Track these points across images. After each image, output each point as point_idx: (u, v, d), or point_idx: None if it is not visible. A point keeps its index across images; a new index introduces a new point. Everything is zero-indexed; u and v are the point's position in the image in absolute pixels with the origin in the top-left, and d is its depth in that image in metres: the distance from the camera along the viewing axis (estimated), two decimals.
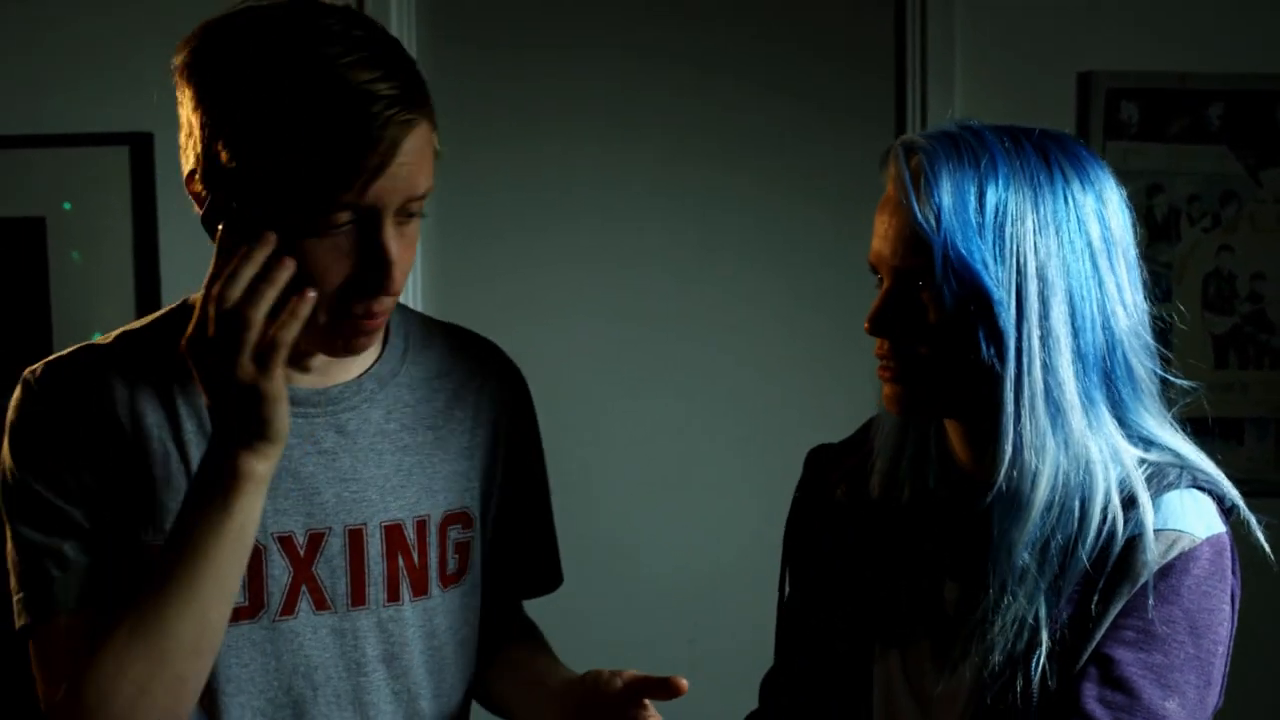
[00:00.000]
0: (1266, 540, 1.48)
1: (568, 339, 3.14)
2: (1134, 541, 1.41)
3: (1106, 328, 1.43)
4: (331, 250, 1.41)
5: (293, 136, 1.36)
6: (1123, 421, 1.47)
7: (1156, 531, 1.41)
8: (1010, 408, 1.40)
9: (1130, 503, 1.43)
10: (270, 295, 1.38)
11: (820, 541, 1.64)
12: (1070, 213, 1.41)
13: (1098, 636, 1.42)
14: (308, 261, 1.40)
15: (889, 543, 1.56)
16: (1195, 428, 3.03)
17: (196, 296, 1.54)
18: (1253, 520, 1.48)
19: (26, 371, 1.53)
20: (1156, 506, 1.43)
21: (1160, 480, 1.45)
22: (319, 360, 1.57)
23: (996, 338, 1.40)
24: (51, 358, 1.55)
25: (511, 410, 1.73)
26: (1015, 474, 1.41)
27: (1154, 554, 1.41)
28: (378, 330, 1.49)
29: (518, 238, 3.14)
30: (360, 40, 1.40)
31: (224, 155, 1.40)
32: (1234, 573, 1.46)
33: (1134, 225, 1.49)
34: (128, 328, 1.58)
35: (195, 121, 1.42)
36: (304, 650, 1.55)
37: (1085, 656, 1.42)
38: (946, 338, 1.42)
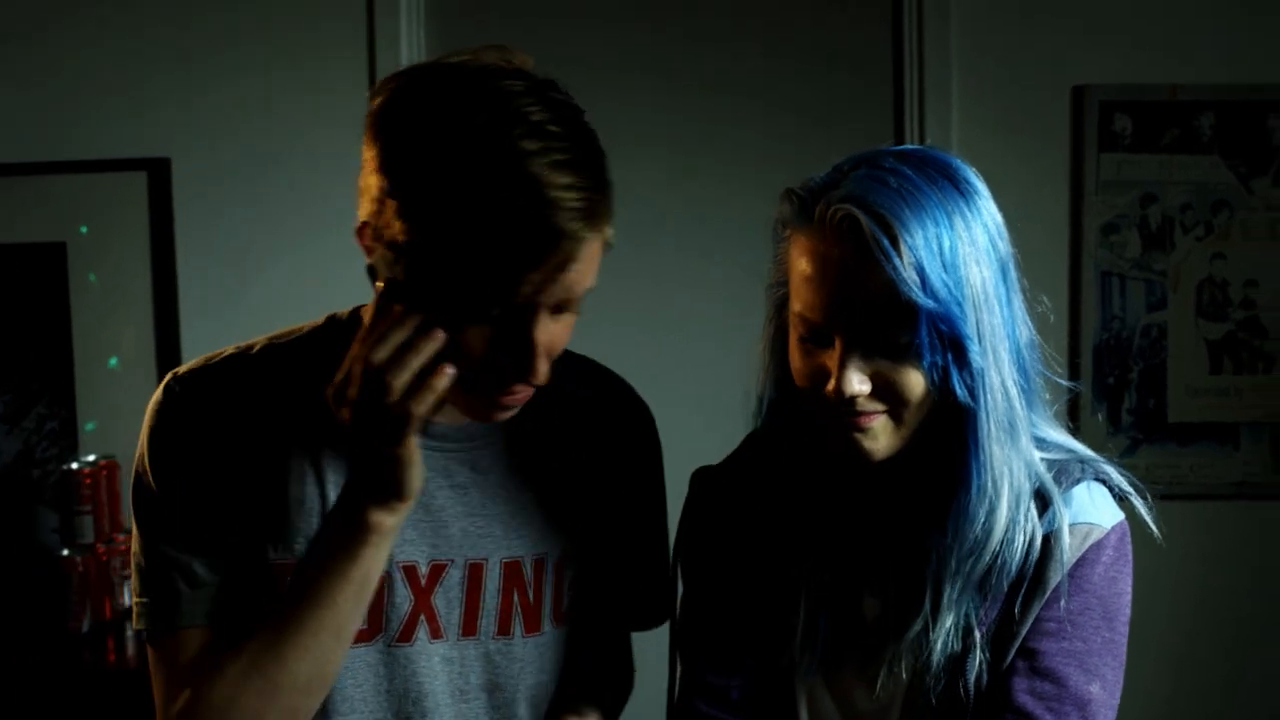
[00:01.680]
0: (1152, 520, 1.52)
1: (577, 350, 3.18)
2: (1050, 538, 1.47)
3: (1020, 341, 1.47)
4: (482, 335, 1.40)
5: (472, 228, 1.34)
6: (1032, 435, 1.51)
7: (1070, 526, 1.48)
8: (984, 440, 1.43)
9: (1042, 501, 1.48)
10: (414, 365, 1.37)
11: (720, 565, 1.63)
12: (985, 234, 1.43)
13: (1023, 632, 1.48)
14: (460, 341, 1.40)
15: (797, 562, 1.56)
16: (1191, 432, 3.10)
17: (344, 313, 1.58)
18: (1140, 505, 1.53)
19: (170, 375, 1.53)
20: (1066, 501, 1.49)
21: (1067, 476, 1.50)
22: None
23: (970, 376, 1.42)
24: (198, 363, 1.54)
25: (636, 449, 1.72)
26: (978, 501, 1.45)
27: (1070, 548, 1.47)
28: (516, 408, 1.48)
29: None
30: (556, 135, 1.39)
31: (398, 225, 1.38)
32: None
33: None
34: (273, 338, 1.57)
35: (375, 183, 1.41)
36: (417, 676, 1.56)
37: (1012, 652, 1.48)
38: (926, 387, 1.43)
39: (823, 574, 1.55)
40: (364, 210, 1.43)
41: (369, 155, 1.42)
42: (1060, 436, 1.54)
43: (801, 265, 1.45)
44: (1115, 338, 3.07)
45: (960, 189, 1.43)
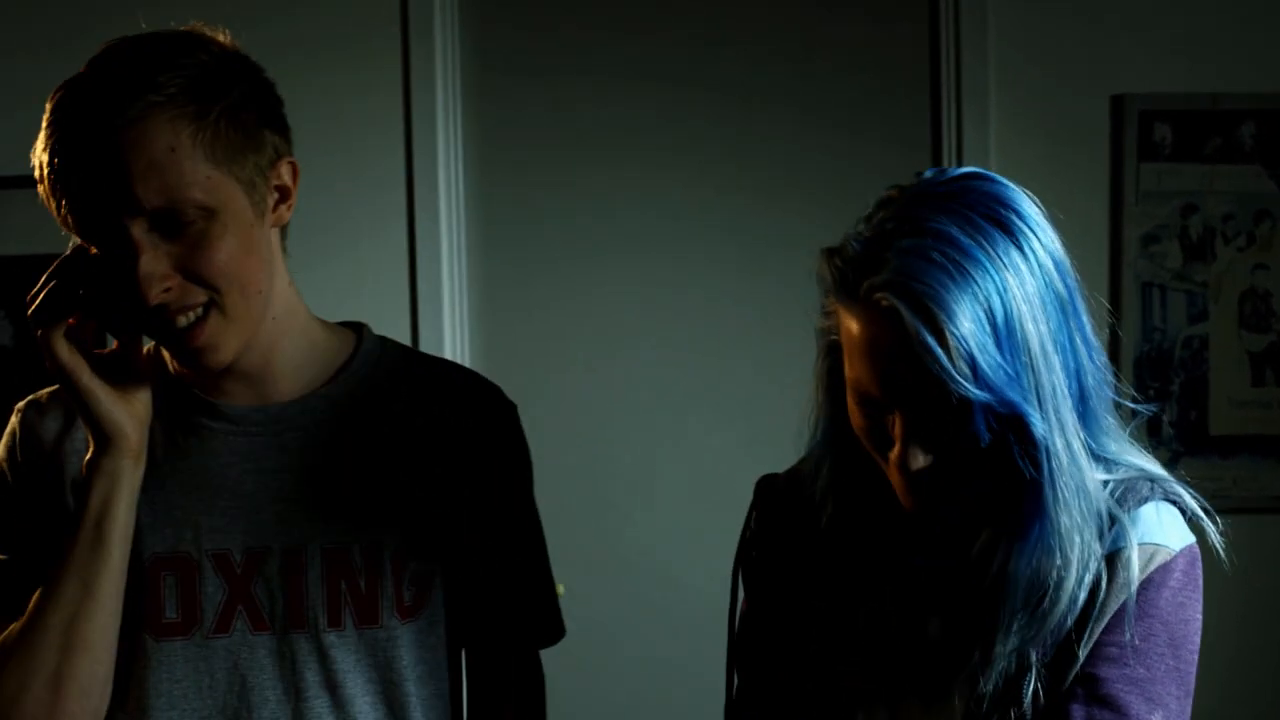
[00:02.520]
0: (1222, 547, 1.50)
1: (609, 365, 3.18)
2: (1114, 559, 1.42)
3: (1084, 384, 1.42)
4: (109, 259, 1.46)
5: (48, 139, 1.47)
6: (1094, 456, 1.46)
7: (1135, 546, 1.42)
8: (1049, 508, 1.39)
9: (1109, 521, 1.44)
10: (38, 290, 1.51)
11: (782, 577, 1.60)
12: (1039, 276, 1.36)
13: (1083, 656, 1.43)
14: (113, 272, 1.46)
15: (860, 578, 1.53)
16: (1233, 444, 3.07)
17: None
18: (1211, 530, 1.48)
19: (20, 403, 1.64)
20: (1133, 521, 1.44)
21: (1134, 495, 1.45)
22: (259, 378, 1.58)
23: (1033, 449, 1.37)
24: (40, 392, 1.65)
25: (485, 444, 1.65)
26: (1044, 564, 1.40)
27: (1136, 569, 1.42)
28: (200, 340, 1.48)
29: (559, 265, 3.19)
30: (136, 41, 1.52)
31: None
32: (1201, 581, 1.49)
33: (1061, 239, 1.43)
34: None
35: None
36: (238, 669, 1.55)
37: (1071, 676, 1.43)
38: (984, 462, 1.39)
39: (886, 590, 1.51)
40: None
41: None
42: (1131, 454, 1.49)
43: (851, 336, 1.40)
44: (1156, 349, 3.03)
45: (1012, 233, 1.36)
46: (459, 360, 3.11)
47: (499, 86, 3.17)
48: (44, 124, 1.47)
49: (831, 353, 1.49)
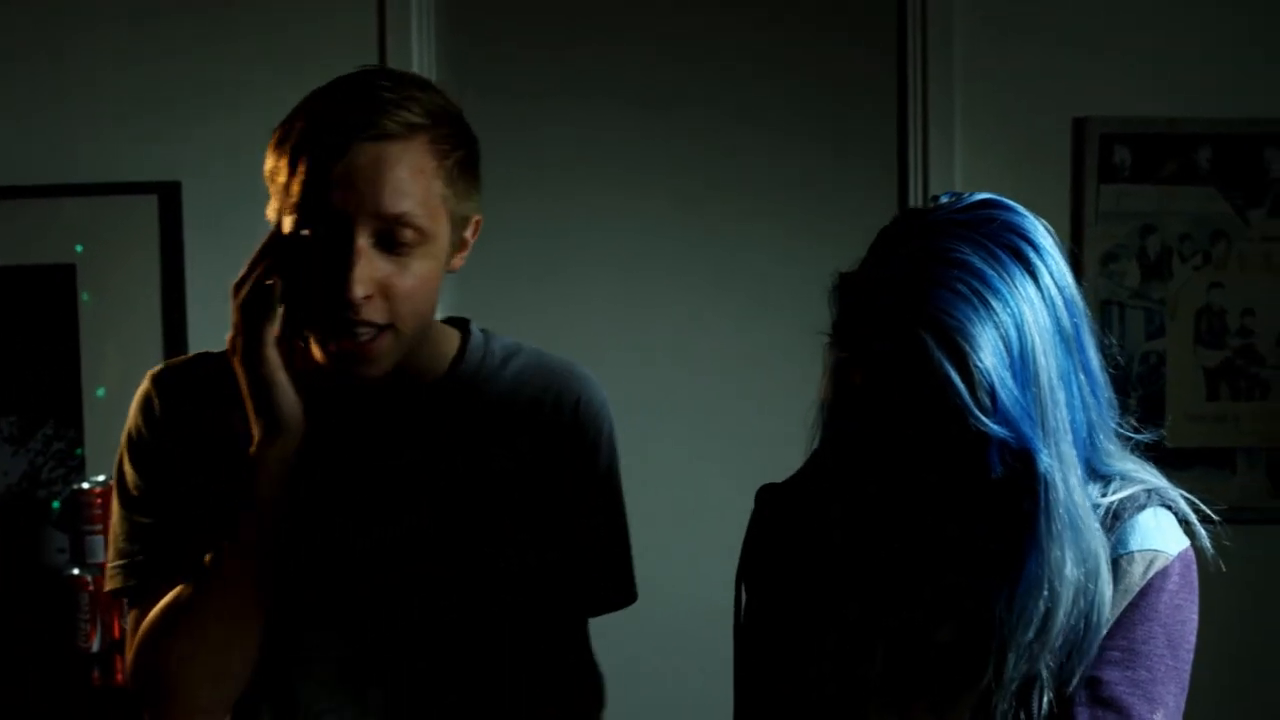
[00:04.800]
0: (1214, 549, 1.50)
1: None
2: (1115, 564, 1.45)
3: (1088, 421, 1.45)
4: (310, 262, 1.55)
5: (291, 153, 1.57)
6: (1096, 474, 1.49)
7: (1134, 553, 1.46)
8: (1042, 539, 1.40)
9: (1109, 528, 1.46)
10: (249, 281, 1.58)
11: (785, 588, 1.61)
12: (1052, 311, 1.39)
13: (1087, 659, 1.45)
14: (307, 269, 1.56)
15: (867, 587, 1.54)
16: (1188, 457, 3.12)
17: None
18: (1204, 535, 1.51)
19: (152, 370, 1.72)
20: (1131, 528, 1.46)
21: (1133, 504, 1.48)
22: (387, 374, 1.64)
23: (1032, 482, 1.39)
24: (175, 361, 1.75)
25: (575, 429, 1.74)
26: (1034, 593, 1.41)
27: (1136, 576, 1.46)
28: (370, 354, 1.58)
29: (534, 279, 3.22)
30: (370, 72, 1.64)
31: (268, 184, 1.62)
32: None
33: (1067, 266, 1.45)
34: (210, 351, 1.74)
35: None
36: (351, 646, 1.64)
37: (1076, 680, 1.45)
38: (988, 492, 1.42)
39: (894, 598, 1.52)
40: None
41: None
42: (1133, 468, 1.51)
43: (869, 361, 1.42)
44: (1114, 365, 3.08)
45: (1028, 264, 1.37)
46: None
47: (474, 102, 3.16)
48: (290, 120, 1.58)
49: (839, 371, 1.49)
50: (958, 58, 3.10)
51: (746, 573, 1.66)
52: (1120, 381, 3.06)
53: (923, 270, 1.36)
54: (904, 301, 1.35)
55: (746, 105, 3.19)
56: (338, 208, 1.52)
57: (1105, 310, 3.09)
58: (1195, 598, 1.50)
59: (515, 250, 3.20)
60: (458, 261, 1.66)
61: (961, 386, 1.33)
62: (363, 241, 1.52)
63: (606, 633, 3.14)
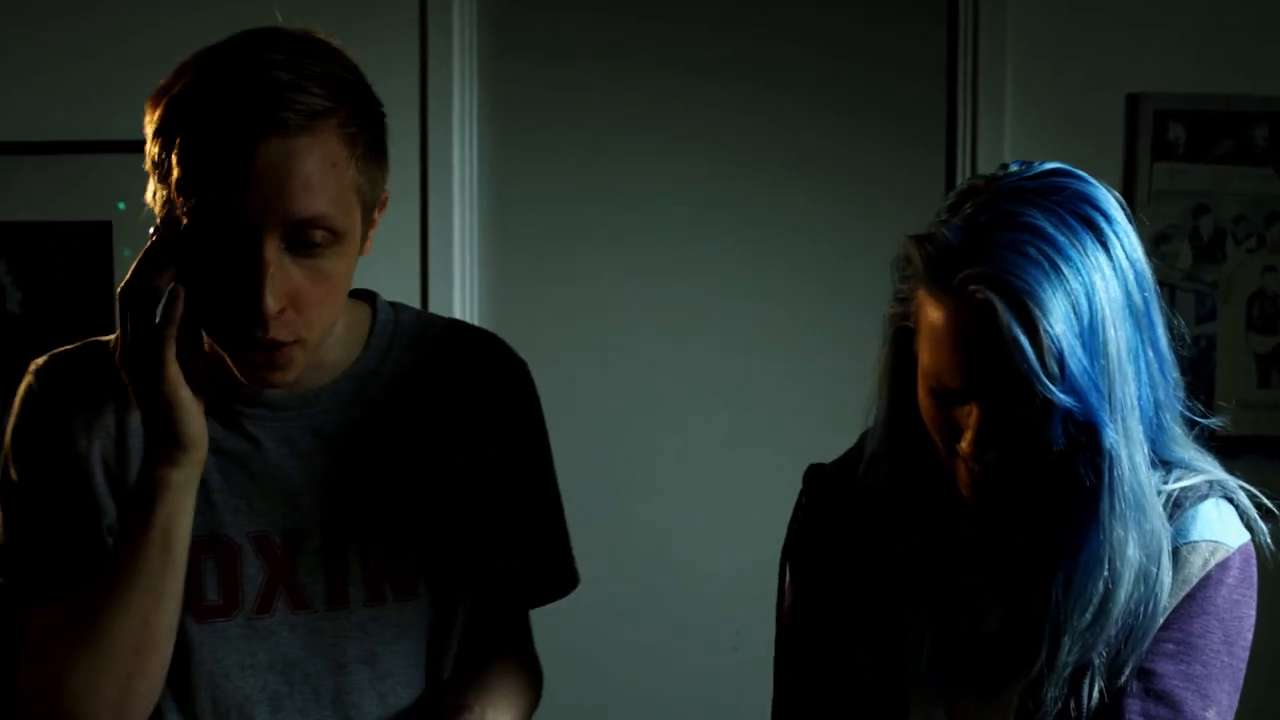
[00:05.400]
0: (1273, 545, 1.49)
1: (618, 348, 3.19)
2: (1174, 554, 1.42)
3: (1155, 397, 1.42)
4: (214, 270, 1.41)
5: (183, 143, 1.39)
6: (1160, 460, 1.46)
7: (1195, 543, 1.43)
8: (1104, 517, 1.38)
9: (1170, 517, 1.44)
10: (148, 307, 1.42)
11: (832, 571, 1.59)
12: (1123, 284, 1.36)
13: (1141, 650, 1.43)
14: (206, 278, 1.42)
15: (915, 573, 1.52)
16: (1238, 445, 3.06)
17: None
18: (1263, 530, 1.49)
19: (34, 362, 1.58)
20: (1193, 517, 1.44)
21: (1194, 493, 1.46)
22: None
23: (1097, 457, 1.36)
24: (57, 350, 1.58)
25: (503, 405, 1.65)
26: (1094, 574, 1.39)
27: (1196, 567, 1.43)
28: (286, 368, 1.46)
29: (571, 248, 3.19)
30: (274, 54, 1.40)
31: (153, 173, 1.44)
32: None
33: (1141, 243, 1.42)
34: (101, 338, 1.60)
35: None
36: (280, 648, 1.56)
37: (1128, 671, 1.43)
38: (1052, 465, 1.39)
39: (941, 586, 1.50)
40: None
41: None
42: (1196, 458, 1.48)
43: (934, 325, 1.38)
44: (1182, 344, 3.02)
45: (1099, 234, 1.35)
46: None
47: (516, 68, 3.17)
48: (174, 105, 1.40)
49: (898, 340, 1.47)
50: (1010, 30, 3.05)
51: (791, 556, 1.63)
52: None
53: (992, 234, 1.33)
54: (972, 265, 1.33)
55: (790, 75, 3.15)
56: (240, 213, 1.37)
57: None
58: (1254, 593, 1.47)
59: (550, 216, 3.18)
60: (368, 246, 1.51)
61: (1030, 352, 1.30)
62: (271, 251, 1.38)
63: (640, 614, 3.14)
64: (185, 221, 1.39)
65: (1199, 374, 3.05)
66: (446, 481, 1.60)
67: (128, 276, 1.44)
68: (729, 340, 3.19)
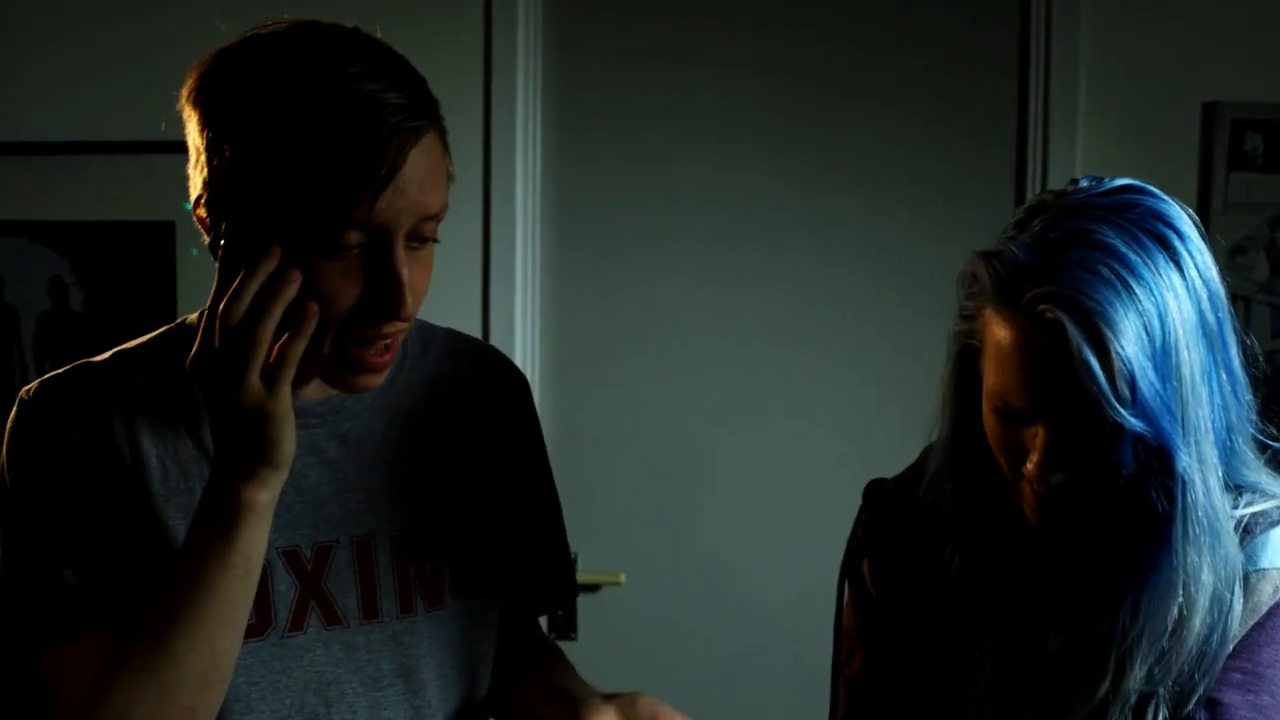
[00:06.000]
0: None
1: (679, 352, 3.16)
2: (1245, 581, 1.39)
3: (1228, 419, 1.38)
4: (341, 273, 1.36)
5: (299, 148, 1.33)
6: (1231, 484, 1.43)
7: (1264, 570, 1.40)
8: (1177, 543, 1.34)
9: (1240, 542, 1.40)
10: (277, 311, 1.33)
11: (892, 590, 1.57)
12: (1196, 304, 1.33)
13: (1209, 679, 1.40)
14: (317, 284, 1.35)
15: (977, 592, 1.49)
16: None
17: (194, 317, 1.53)
18: None
19: (23, 391, 1.48)
20: (1263, 544, 1.41)
21: (1266, 519, 1.42)
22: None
23: (1170, 481, 1.33)
24: (47, 376, 1.50)
25: (512, 415, 1.67)
26: (1165, 599, 1.36)
27: (1266, 595, 1.40)
28: (385, 366, 1.44)
29: (632, 252, 3.17)
30: (368, 54, 1.38)
31: (231, 174, 1.37)
32: None
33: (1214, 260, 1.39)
34: (123, 347, 1.54)
35: (201, 144, 1.39)
36: (315, 666, 1.51)
37: (1194, 701, 1.40)
38: (1122, 489, 1.36)
39: (1005, 607, 1.47)
40: (195, 186, 1.41)
41: (192, 124, 1.40)
42: (1266, 481, 1.44)
43: (1000, 342, 1.35)
44: (1255, 365, 2.96)
45: (1172, 252, 1.32)
46: (530, 344, 3.11)
47: (580, 71, 3.15)
48: (272, 106, 1.35)
49: (963, 358, 1.45)
50: (1084, 37, 3.00)
51: (850, 571, 1.60)
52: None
53: (1063, 252, 1.31)
54: (1041, 283, 1.30)
55: (857, 79, 3.12)
56: (380, 214, 1.34)
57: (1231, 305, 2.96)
58: None
59: (611, 220, 3.16)
60: None
61: (1100, 374, 1.27)
62: (402, 249, 1.37)
63: (700, 620, 3.12)
64: (281, 224, 1.35)
65: (1273, 390, 2.98)
66: (470, 489, 1.60)
67: (215, 287, 1.38)
68: (790, 346, 3.15)
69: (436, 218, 1.40)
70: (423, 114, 1.37)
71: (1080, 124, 2.99)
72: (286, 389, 1.34)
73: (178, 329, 1.55)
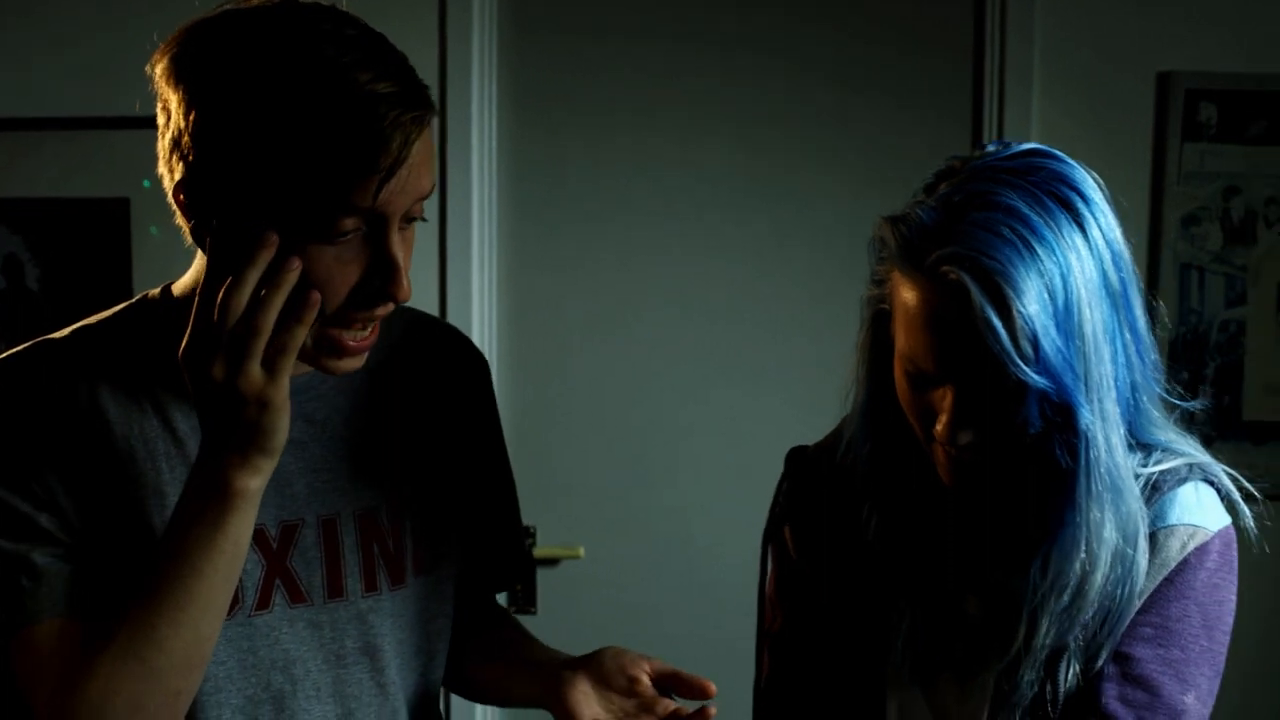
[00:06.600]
0: (1256, 529, 1.49)
1: (639, 330, 3.17)
2: (1152, 538, 1.42)
3: (1132, 379, 1.40)
4: (336, 258, 1.35)
5: (299, 140, 1.31)
6: (1138, 443, 1.46)
7: (1173, 527, 1.43)
8: (1080, 499, 1.37)
9: (1148, 500, 1.43)
10: (279, 300, 1.32)
11: (814, 554, 1.59)
12: (1099, 264, 1.34)
13: (1118, 634, 1.43)
14: (312, 270, 1.35)
15: (896, 557, 1.51)
16: (1265, 431, 3.04)
17: (155, 292, 1.52)
18: (1247, 514, 1.48)
19: None
20: (1170, 501, 1.44)
21: (1174, 476, 1.45)
22: None
23: (1073, 438, 1.35)
24: (7, 354, 1.47)
25: (470, 394, 1.70)
26: (1070, 555, 1.38)
27: (1174, 551, 1.43)
28: (366, 349, 1.44)
29: (591, 230, 3.16)
30: (353, 39, 1.35)
31: (222, 160, 1.34)
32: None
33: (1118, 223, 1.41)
34: (85, 323, 1.51)
35: (185, 126, 1.34)
36: (281, 644, 1.51)
37: (1104, 655, 1.43)
38: (1029, 447, 1.38)
39: (921, 569, 1.49)
40: (175, 169, 1.37)
41: (172, 102, 1.36)
42: (1173, 438, 1.47)
43: (908, 306, 1.37)
44: (1192, 332, 2.99)
45: (1075, 214, 1.34)
46: (487, 321, 3.10)
47: (536, 46, 3.14)
48: (262, 88, 1.32)
49: (876, 323, 1.47)
50: (1038, 6, 3.00)
51: (772, 535, 1.64)
52: (1197, 349, 3.00)
53: (965, 213, 1.33)
54: (944, 245, 1.32)
55: (814, 54, 3.11)
56: (375, 197, 1.34)
57: (1184, 274, 2.99)
58: (1234, 578, 1.47)
59: (568, 197, 3.15)
60: None
61: (1003, 332, 1.29)
62: (396, 233, 1.38)
63: (663, 596, 3.13)
64: (276, 211, 1.33)
65: (1227, 358, 3.01)
66: (432, 467, 1.62)
67: (207, 276, 1.35)
68: (751, 322, 3.16)
69: (426, 197, 1.41)
70: (422, 102, 1.36)
71: (1035, 96, 3.00)
72: (286, 377, 1.34)
73: (139, 304, 1.53)
